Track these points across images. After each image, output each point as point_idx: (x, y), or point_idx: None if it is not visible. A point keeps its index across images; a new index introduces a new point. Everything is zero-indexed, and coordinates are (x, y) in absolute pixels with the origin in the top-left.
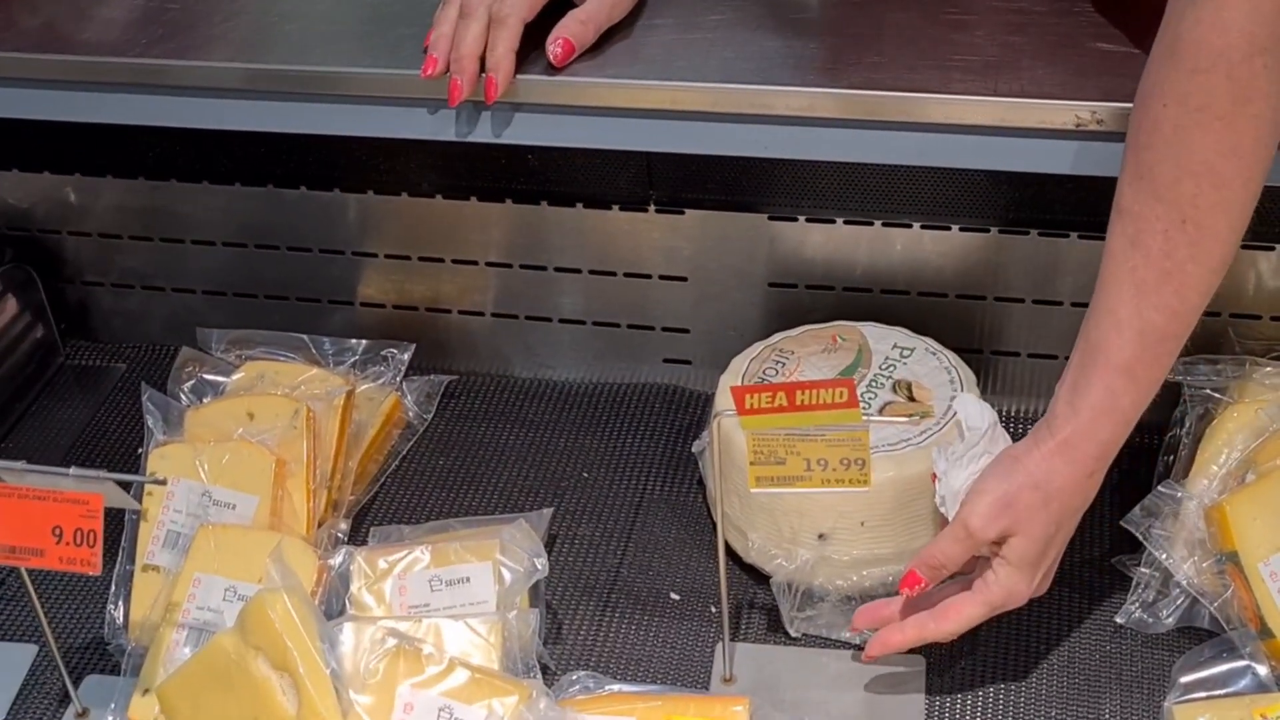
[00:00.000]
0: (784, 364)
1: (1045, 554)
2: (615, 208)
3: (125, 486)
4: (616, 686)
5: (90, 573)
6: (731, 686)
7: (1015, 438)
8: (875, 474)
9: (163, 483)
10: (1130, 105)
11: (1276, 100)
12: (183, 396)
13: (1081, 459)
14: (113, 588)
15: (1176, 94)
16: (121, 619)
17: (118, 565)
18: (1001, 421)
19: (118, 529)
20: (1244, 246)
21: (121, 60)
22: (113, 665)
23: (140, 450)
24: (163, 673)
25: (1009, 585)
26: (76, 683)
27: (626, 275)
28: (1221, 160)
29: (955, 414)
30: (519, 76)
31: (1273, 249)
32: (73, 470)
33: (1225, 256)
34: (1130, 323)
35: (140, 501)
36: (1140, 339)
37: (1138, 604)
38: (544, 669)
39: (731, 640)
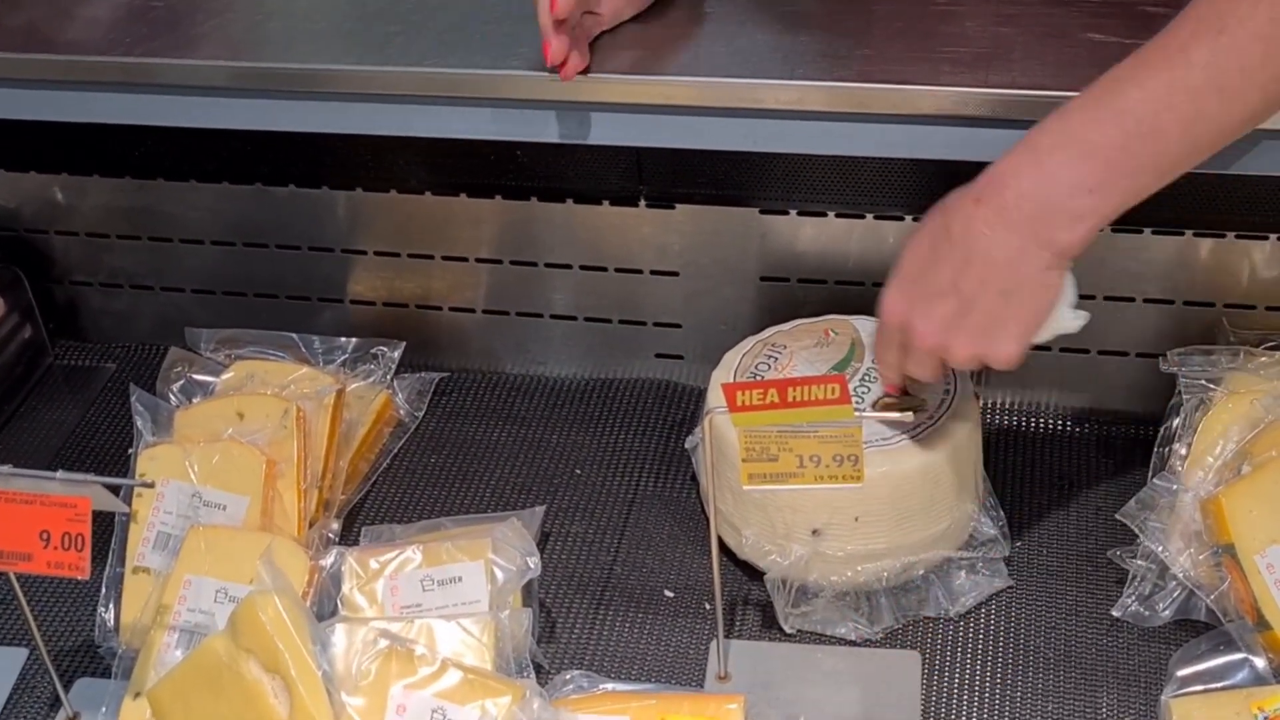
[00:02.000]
0: (776, 358)
1: (923, 268)
2: (605, 203)
3: (114, 489)
4: (610, 685)
5: (79, 577)
6: (726, 684)
7: (1010, 434)
8: (869, 469)
9: (151, 485)
10: None
11: None
12: (172, 397)
13: (981, 179)
14: (103, 590)
15: None
16: (112, 622)
17: (108, 567)
18: (997, 413)
19: (108, 531)
20: (1238, 236)
21: (107, 59)
22: (104, 668)
23: (131, 451)
24: (154, 675)
25: (881, 297)
26: (67, 686)
27: (617, 270)
28: None
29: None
30: (509, 72)
31: (1267, 239)
32: (60, 474)
33: (1238, 94)
34: (1104, 83)
35: (129, 504)
36: (1106, 101)
37: (1134, 597)
38: (537, 668)
39: (726, 637)
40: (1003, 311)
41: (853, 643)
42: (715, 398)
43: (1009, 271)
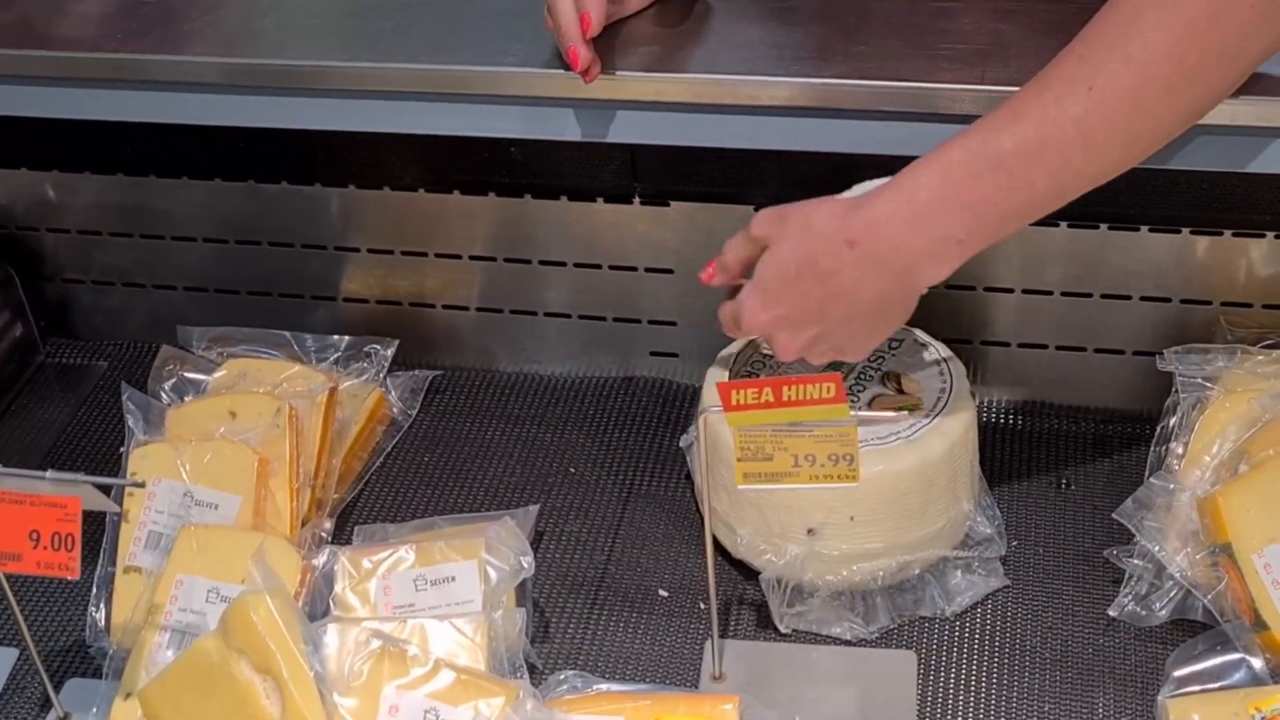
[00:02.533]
0: (772, 357)
1: (788, 289)
2: (600, 200)
3: (104, 489)
4: (605, 686)
5: (69, 577)
6: (721, 684)
7: (1006, 433)
8: (864, 468)
9: (141, 485)
10: None
11: (1243, 44)
12: (164, 395)
13: (856, 219)
14: (94, 590)
15: None
16: (103, 622)
17: (99, 567)
18: (993, 411)
19: (99, 530)
20: (1235, 233)
21: (99, 55)
22: (94, 669)
23: (122, 450)
24: (145, 676)
25: (742, 300)
26: (58, 687)
27: (612, 268)
28: (1160, 60)
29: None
30: (503, 69)
31: (1264, 236)
32: (49, 473)
33: (1104, 149)
34: (979, 134)
35: (120, 503)
36: (974, 153)
37: (1130, 597)
38: (531, 668)
39: (721, 637)
40: (865, 335)
41: (848, 642)
42: (710, 396)
43: (874, 309)
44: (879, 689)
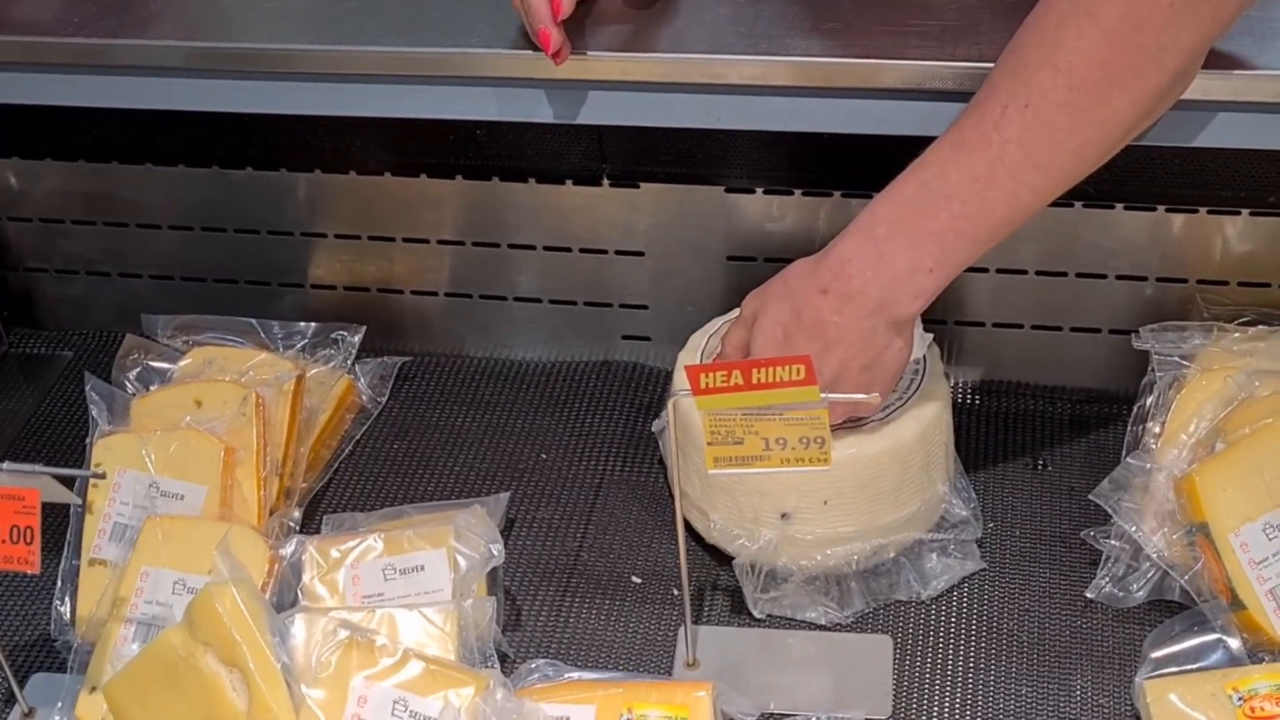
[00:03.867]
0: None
1: (783, 353)
2: (569, 183)
3: (65, 480)
4: (577, 674)
5: (29, 571)
6: (695, 671)
7: (981, 414)
8: (837, 451)
9: (102, 476)
10: None
11: (1168, 41)
12: (128, 385)
13: (824, 267)
14: (59, 583)
15: None
16: (68, 615)
17: (63, 560)
18: (968, 392)
19: (62, 522)
20: (1210, 210)
21: (57, 40)
22: (59, 662)
23: (87, 440)
24: (110, 670)
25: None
26: (22, 682)
27: (582, 251)
28: (1086, 67)
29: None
30: (468, 50)
31: (1239, 214)
32: (6, 465)
33: (1052, 163)
34: (929, 166)
35: (83, 494)
36: (933, 186)
37: (1108, 578)
38: (503, 657)
39: (694, 623)
40: (866, 382)
41: (823, 627)
42: (681, 381)
43: (864, 350)
44: (854, 674)
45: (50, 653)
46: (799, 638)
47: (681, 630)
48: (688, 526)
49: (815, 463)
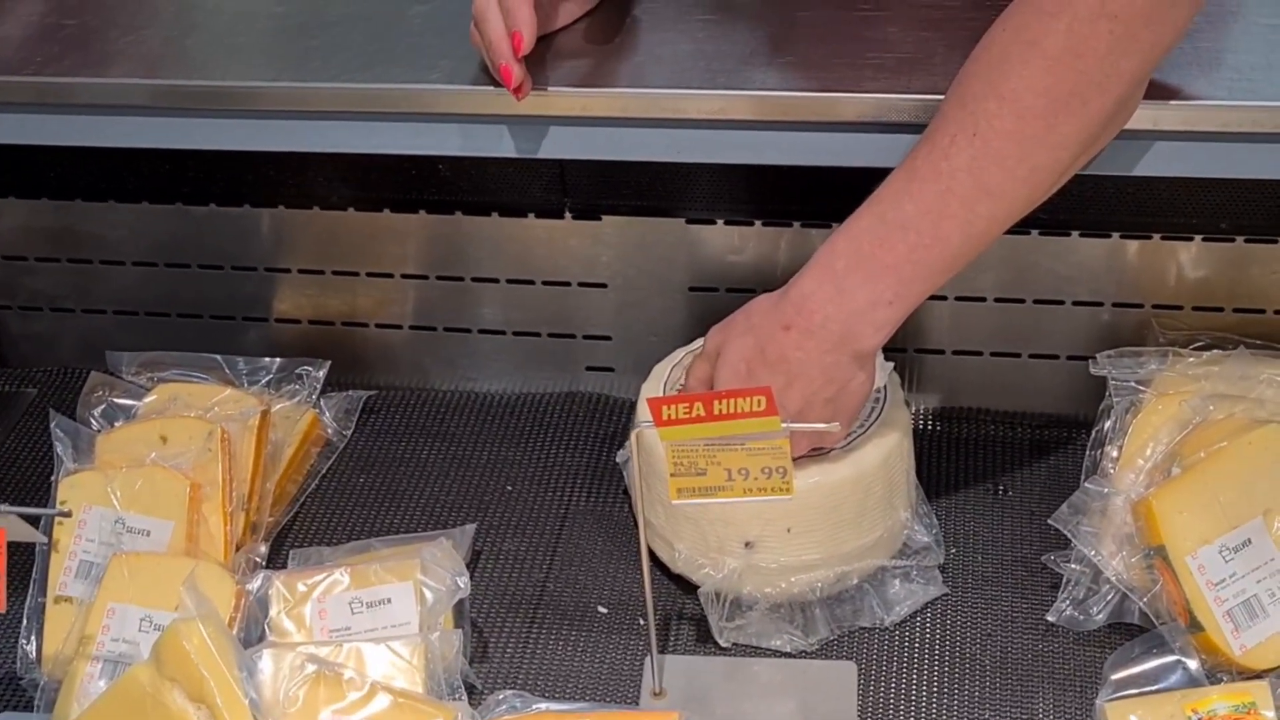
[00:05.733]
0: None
1: (746, 387)
2: (531, 216)
3: (31, 519)
4: (544, 705)
5: None
6: (662, 700)
7: (942, 440)
8: (800, 479)
9: (68, 514)
10: None
11: (1110, 68)
12: (93, 421)
13: (786, 303)
14: (24, 621)
15: (1016, 24)
16: (34, 653)
17: (29, 598)
18: (927, 419)
19: (28, 560)
20: (1164, 237)
21: (19, 79)
22: (26, 701)
23: (52, 478)
24: (77, 708)
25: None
26: None
27: (546, 284)
28: (1032, 95)
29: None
30: (430, 86)
31: (1192, 240)
32: None
33: (1003, 190)
34: (884, 199)
35: (49, 532)
36: (888, 219)
37: (1068, 601)
38: (470, 689)
39: (660, 653)
40: (830, 414)
41: (788, 655)
42: (644, 412)
43: (827, 384)
44: (820, 700)
45: (17, 691)
46: (764, 665)
47: (648, 660)
48: (653, 556)
49: (778, 492)
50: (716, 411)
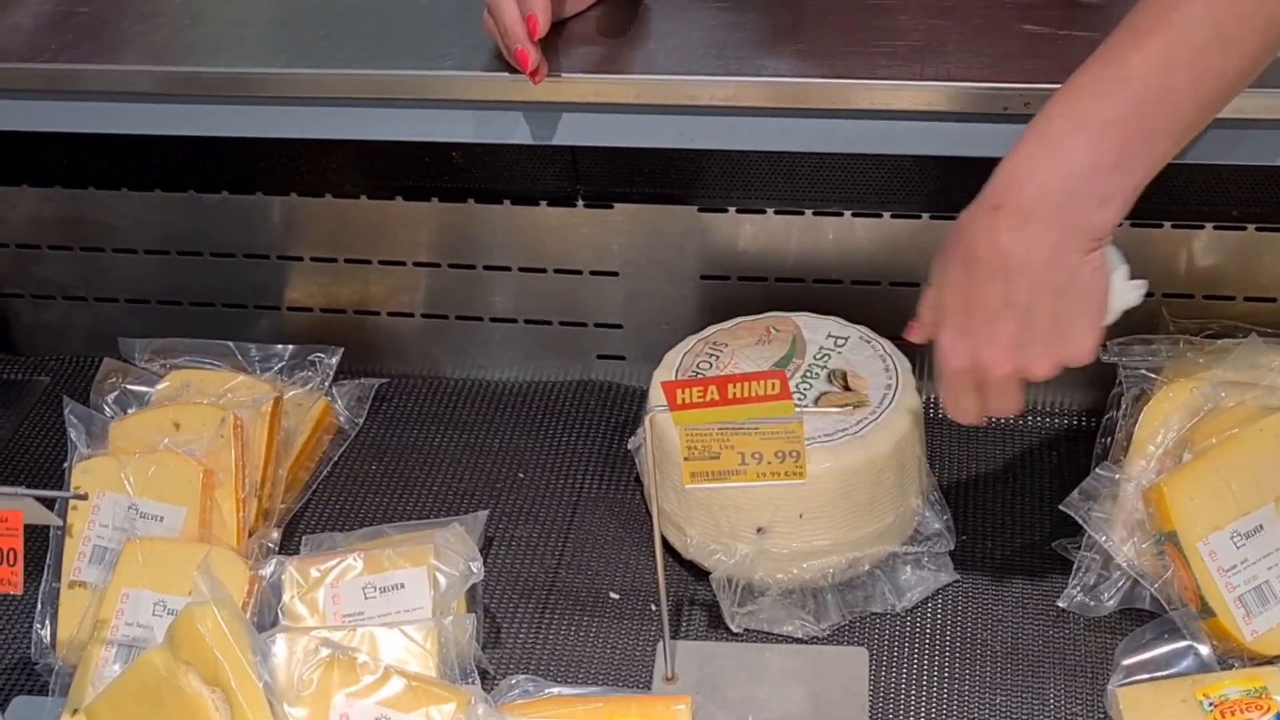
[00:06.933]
0: (718, 356)
1: (966, 299)
2: (543, 204)
3: (46, 502)
4: (557, 689)
5: (11, 592)
6: (673, 685)
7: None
8: (812, 465)
9: (84, 497)
10: (1058, 86)
11: None
12: (106, 408)
13: (994, 184)
14: (39, 606)
15: None
16: (49, 638)
17: (43, 583)
18: (939, 408)
19: (43, 546)
20: (1175, 225)
21: (32, 66)
22: (41, 685)
23: (65, 465)
24: (92, 691)
25: (937, 344)
26: (3, 705)
27: (557, 272)
28: None
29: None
30: (441, 73)
31: (1203, 228)
32: None
33: (1239, 41)
34: (1105, 54)
35: (63, 517)
36: (1108, 73)
37: (1079, 587)
38: (483, 674)
39: (672, 638)
40: (1065, 310)
41: (800, 640)
42: (656, 397)
43: (1053, 270)
44: (831, 686)
45: (31, 676)
46: (776, 651)
47: (660, 645)
48: (665, 542)
49: (791, 476)
50: (730, 395)
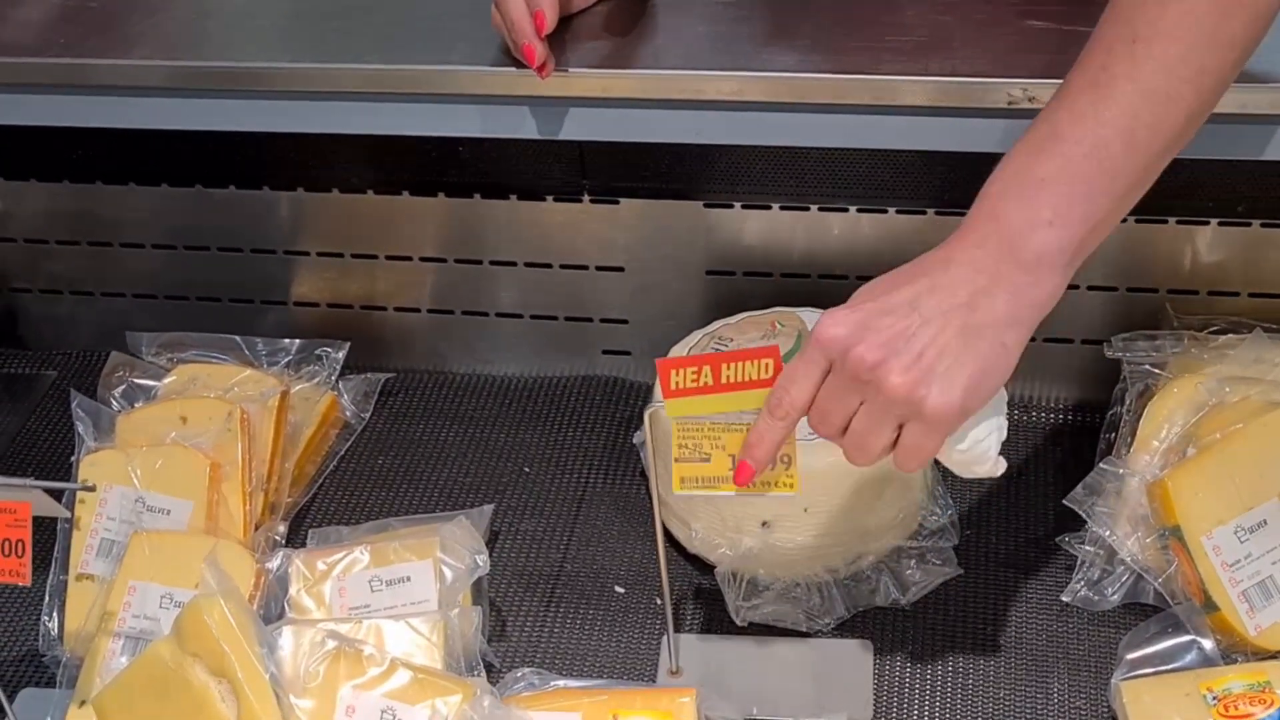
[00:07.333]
0: (722, 351)
1: (879, 300)
2: (549, 199)
3: (55, 494)
4: (562, 682)
5: (20, 583)
6: (678, 679)
7: None
8: (816, 460)
9: (92, 489)
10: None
11: None
12: (114, 402)
13: (952, 239)
14: (46, 598)
15: None
16: (56, 630)
17: (51, 575)
18: None
19: (50, 539)
20: (1180, 221)
21: (41, 61)
22: (48, 677)
23: (73, 458)
24: (99, 683)
25: (823, 318)
26: (12, 697)
27: (563, 267)
28: None
29: None
30: (450, 68)
31: (1208, 224)
32: None
33: (1169, 93)
34: (1040, 117)
35: (71, 509)
36: (1041, 133)
37: (1083, 582)
38: (488, 667)
39: (677, 632)
40: (956, 350)
41: (804, 634)
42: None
43: (970, 311)
44: (836, 678)
45: (39, 668)
46: (781, 644)
47: (665, 639)
48: (670, 536)
49: (782, 487)
50: (724, 379)
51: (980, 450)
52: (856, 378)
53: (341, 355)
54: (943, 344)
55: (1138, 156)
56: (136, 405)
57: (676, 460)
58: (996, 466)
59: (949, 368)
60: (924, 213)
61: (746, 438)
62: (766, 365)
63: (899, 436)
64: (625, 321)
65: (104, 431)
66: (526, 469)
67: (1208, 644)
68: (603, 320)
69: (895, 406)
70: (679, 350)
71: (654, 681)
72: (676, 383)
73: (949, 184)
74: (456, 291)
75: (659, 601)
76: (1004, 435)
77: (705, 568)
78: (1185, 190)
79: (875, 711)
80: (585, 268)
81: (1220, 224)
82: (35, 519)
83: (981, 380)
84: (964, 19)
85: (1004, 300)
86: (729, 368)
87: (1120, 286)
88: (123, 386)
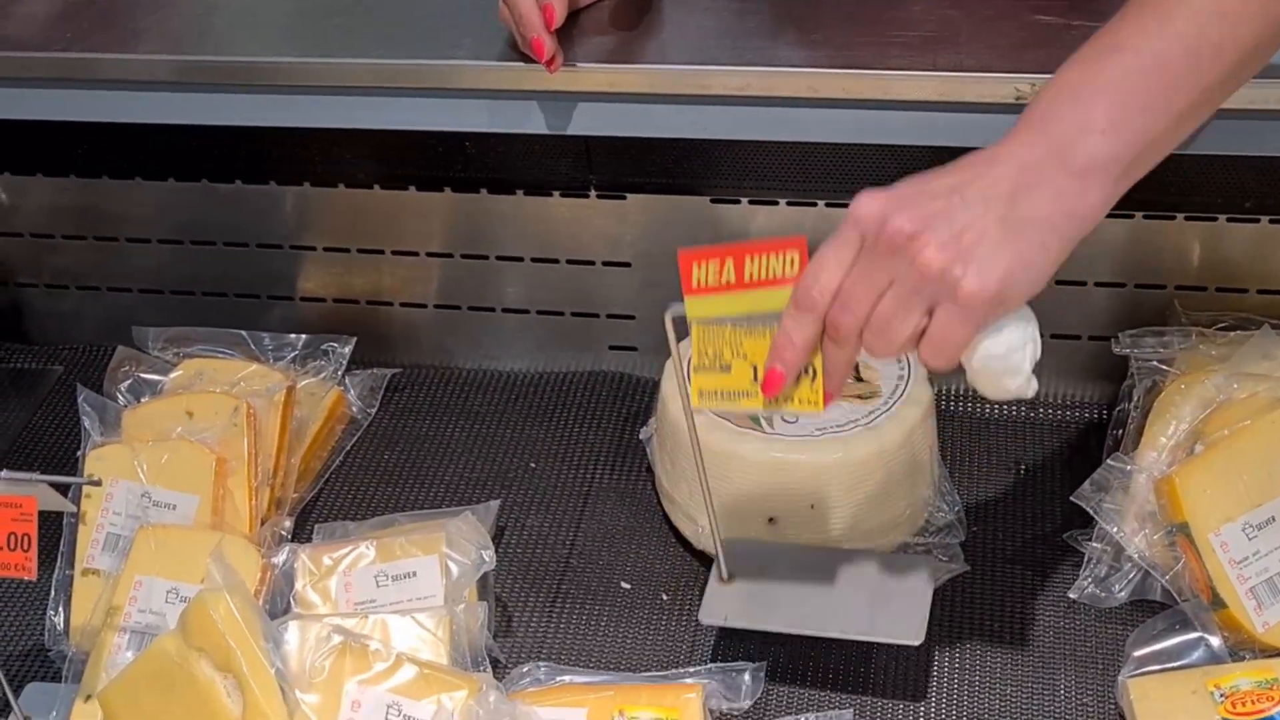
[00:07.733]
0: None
1: (920, 184)
2: (556, 194)
3: (61, 488)
4: (568, 677)
5: (26, 578)
6: (730, 587)
7: (964, 419)
8: (822, 455)
9: (98, 483)
10: None
11: None
12: (119, 396)
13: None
14: (52, 593)
15: None
16: (62, 624)
17: (57, 570)
18: (951, 398)
19: (56, 533)
20: (1187, 217)
21: (47, 55)
22: (54, 672)
23: (79, 453)
24: (105, 678)
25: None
26: (17, 691)
27: (569, 262)
28: None
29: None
30: (455, 62)
31: (1216, 220)
32: (3, 473)
33: (1236, 10)
34: (1097, 35)
35: (77, 504)
36: (1101, 44)
37: (1090, 579)
38: (494, 662)
39: (680, 622)
40: (996, 238)
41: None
42: (668, 387)
43: (1012, 203)
44: (891, 598)
45: (45, 662)
46: (837, 555)
47: (715, 545)
48: (676, 533)
49: (806, 404)
50: (747, 276)
51: (1015, 361)
52: (892, 249)
53: (348, 350)
54: (983, 228)
55: (1201, 74)
56: (142, 400)
57: (695, 369)
58: (1030, 384)
59: (987, 253)
60: None
61: (774, 340)
62: (792, 260)
63: (925, 329)
64: (632, 317)
65: (110, 426)
66: (533, 464)
67: (1215, 641)
68: (609, 315)
69: (927, 285)
70: (686, 346)
71: (660, 677)
72: (699, 279)
73: None
74: (463, 287)
75: (665, 597)
76: (1038, 355)
77: (711, 564)
78: (1193, 186)
79: (877, 709)
80: (592, 263)
81: (1229, 220)
82: (41, 514)
83: (1020, 273)
84: (971, 13)
85: (1048, 200)
86: (753, 260)
87: (1128, 282)
88: (128, 381)
